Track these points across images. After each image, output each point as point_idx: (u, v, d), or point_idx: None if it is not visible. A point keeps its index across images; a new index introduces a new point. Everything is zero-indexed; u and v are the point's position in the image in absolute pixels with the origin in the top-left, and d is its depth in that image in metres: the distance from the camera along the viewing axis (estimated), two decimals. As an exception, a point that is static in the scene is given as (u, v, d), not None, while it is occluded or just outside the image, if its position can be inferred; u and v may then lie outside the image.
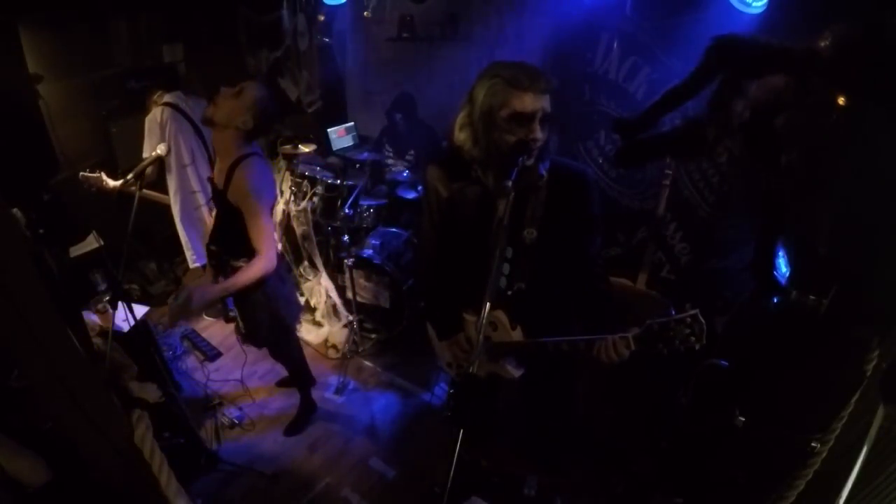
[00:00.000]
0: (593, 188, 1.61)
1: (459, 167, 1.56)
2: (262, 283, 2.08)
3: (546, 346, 1.59)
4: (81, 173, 2.79)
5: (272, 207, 2.16)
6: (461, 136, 1.48)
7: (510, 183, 1.36)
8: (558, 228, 1.55)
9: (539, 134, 1.40)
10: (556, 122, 1.46)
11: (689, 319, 1.31)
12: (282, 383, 3.06)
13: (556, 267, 1.60)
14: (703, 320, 1.30)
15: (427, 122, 3.89)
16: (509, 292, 1.60)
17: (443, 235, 1.69)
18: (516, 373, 1.73)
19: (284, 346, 2.58)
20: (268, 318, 2.28)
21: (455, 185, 1.59)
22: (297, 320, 2.53)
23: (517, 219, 1.51)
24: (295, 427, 2.78)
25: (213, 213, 2.30)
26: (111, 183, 2.79)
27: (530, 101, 1.36)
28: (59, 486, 1.11)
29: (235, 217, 2.05)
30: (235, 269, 2.10)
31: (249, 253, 2.06)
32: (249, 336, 2.42)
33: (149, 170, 2.49)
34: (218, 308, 2.83)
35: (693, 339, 1.31)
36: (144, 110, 3.13)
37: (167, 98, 3.12)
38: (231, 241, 2.14)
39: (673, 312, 1.35)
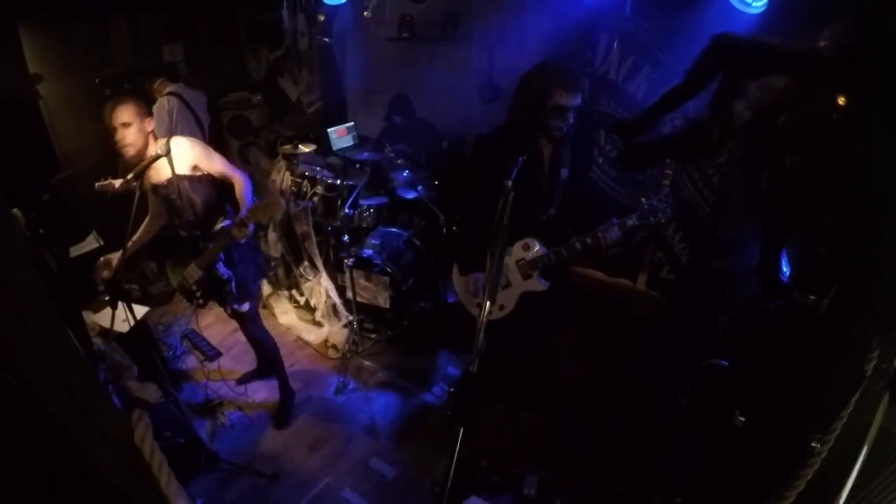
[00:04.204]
0: (592, 144, 2.38)
1: (511, 136, 2.01)
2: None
3: (569, 250, 2.05)
4: (97, 184, 2.79)
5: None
6: (515, 104, 2.02)
7: (510, 183, 1.44)
8: (579, 168, 2.17)
9: (571, 121, 1.96)
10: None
11: (664, 198, 1.89)
12: (247, 378, 3.08)
13: (575, 196, 2.18)
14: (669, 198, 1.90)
15: (428, 120, 3.89)
16: (544, 217, 2.15)
17: (487, 186, 1.93)
18: (543, 285, 2.17)
19: (258, 316, 2.69)
20: (254, 269, 2.52)
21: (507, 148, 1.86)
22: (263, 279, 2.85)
23: (556, 161, 2.10)
24: (282, 417, 2.77)
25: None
26: (117, 183, 2.80)
27: (570, 98, 1.90)
28: (58, 486, 1.11)
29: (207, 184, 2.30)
30: (218, 232, 2.27)
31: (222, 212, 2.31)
32: (240, 296, 2.47)
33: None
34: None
35: (666, 206, 1.89)
36: (147, 100, 3.13)
37: (172, 88, 3.12)
38: (209, 214, 2.33)
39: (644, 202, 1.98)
